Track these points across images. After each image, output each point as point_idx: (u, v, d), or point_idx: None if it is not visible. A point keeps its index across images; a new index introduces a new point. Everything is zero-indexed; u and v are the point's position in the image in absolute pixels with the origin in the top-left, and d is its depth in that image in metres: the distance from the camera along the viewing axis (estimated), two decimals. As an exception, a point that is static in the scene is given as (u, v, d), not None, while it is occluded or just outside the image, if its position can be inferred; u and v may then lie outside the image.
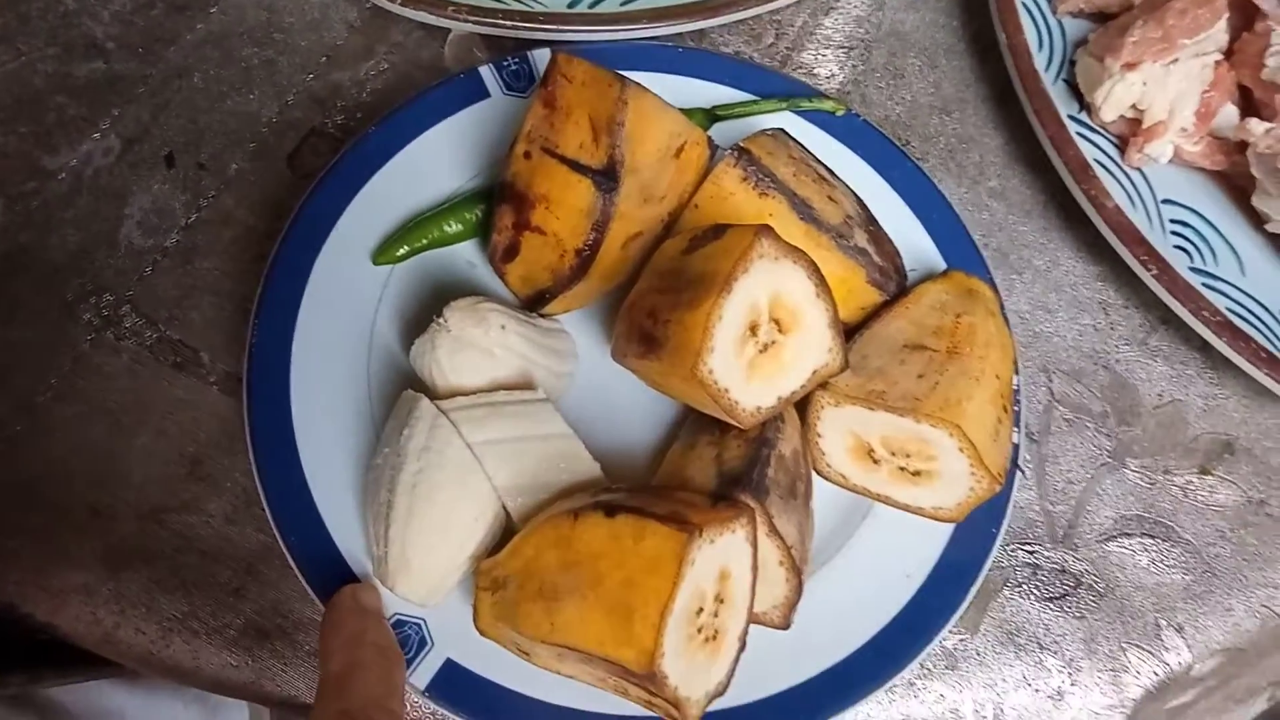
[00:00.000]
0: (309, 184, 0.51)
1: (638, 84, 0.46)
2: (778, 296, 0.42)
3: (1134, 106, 0.53)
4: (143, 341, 0.52)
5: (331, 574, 0.45)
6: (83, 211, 0.54)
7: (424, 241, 0.50)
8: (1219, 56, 0.54)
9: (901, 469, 0.45)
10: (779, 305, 0.42)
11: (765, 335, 0.42)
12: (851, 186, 0.51)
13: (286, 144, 0.56)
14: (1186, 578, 0.50)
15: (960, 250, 0.52)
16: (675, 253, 0.45)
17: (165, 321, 0.52)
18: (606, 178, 0.45)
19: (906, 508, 0.46)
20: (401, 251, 0.50)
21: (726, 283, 0.40)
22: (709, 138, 0.49)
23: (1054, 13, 0.58)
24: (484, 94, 0.53)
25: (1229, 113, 0.54)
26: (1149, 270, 0.52)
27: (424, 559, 0.42)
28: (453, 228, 0.51)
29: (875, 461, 0.46)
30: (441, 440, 0.43)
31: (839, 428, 0.46)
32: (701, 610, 0.39)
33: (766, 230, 0.42)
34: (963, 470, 0.44)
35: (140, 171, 0.55)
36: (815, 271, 0.43)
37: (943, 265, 0.52)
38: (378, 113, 0.56)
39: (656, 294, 0.44)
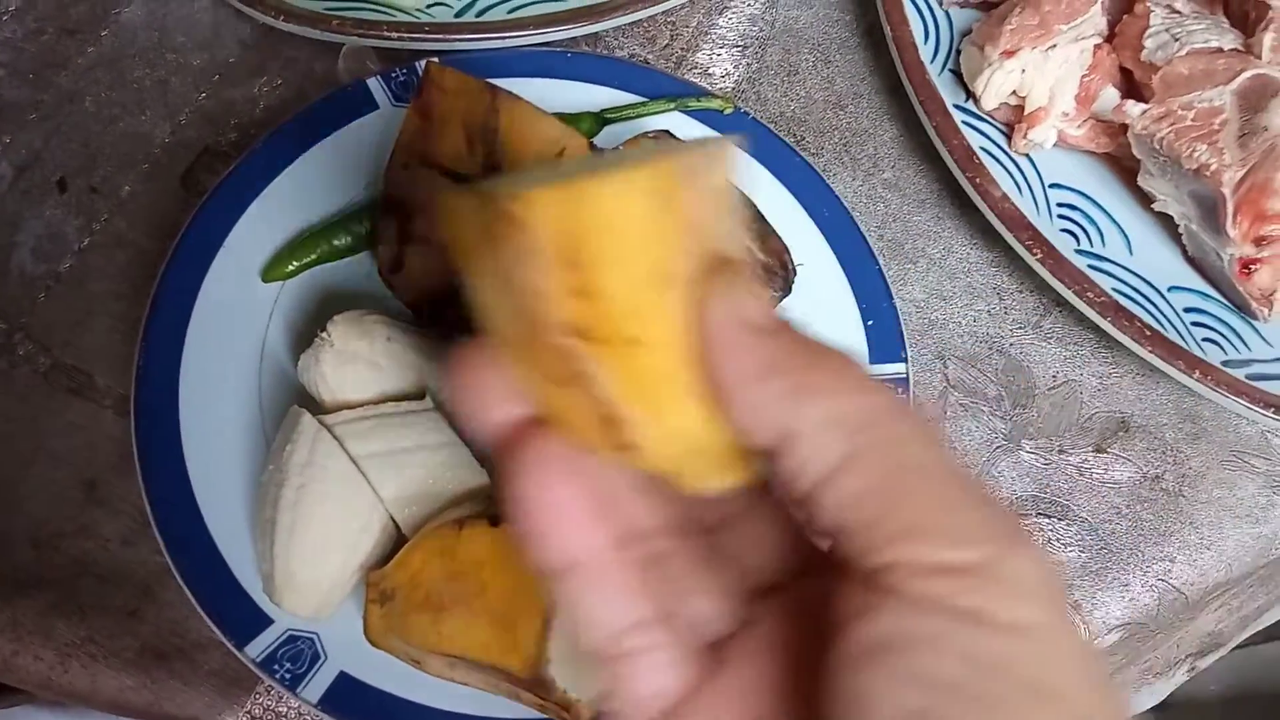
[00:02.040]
0: (200, 205, 0.51)
1: (510, 92, 0.46)
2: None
3: (1015, 93, 0.54)
4: (36, 368, 0.51)
5: (224, 594, 0.45)
6: (-26, 241, 0.54)
7: (312, 256, 0.51)
8: (1098, 40, 0.55)
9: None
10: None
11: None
12: (740, 185, 0.52)
13: (180, 164, 0.56)
14: (1083, 555, 0.51)
15: (850, 242, 0.53)
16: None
17: (59, 347, 0.52)
18: (484, 185, 0.45)
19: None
20: (290, 268, 0.50)
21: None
22: (590, 141, 0.49)
23: (940, 4, 0.59)
24: (373, 105, 0.54)
25: (1110, 96, 0.55)
26: (1034, 255, 0.52)
27: (309, 573, 0.42)
28: (342, 241, 0.51)
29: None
30: (323, 454, 0.43)
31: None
32: None
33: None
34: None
35: (32, 198, 0.55)
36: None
37: (832, 259, 0.52)
38: (269, 129, 0.56)
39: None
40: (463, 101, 0.46)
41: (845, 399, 0.23)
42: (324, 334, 0.46)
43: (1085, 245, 0.54)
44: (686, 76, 0.60)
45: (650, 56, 0.61)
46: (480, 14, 0.56)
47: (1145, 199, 0.55)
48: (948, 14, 0.59)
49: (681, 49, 0.61)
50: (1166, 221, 0.55)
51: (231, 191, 0.51)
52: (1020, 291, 0.56)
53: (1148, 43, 0.53)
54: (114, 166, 0.56)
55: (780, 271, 0.50)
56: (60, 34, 0.58)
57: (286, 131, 0.52)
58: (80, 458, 0.50)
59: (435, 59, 0.49)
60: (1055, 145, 0.56)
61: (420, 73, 0.54)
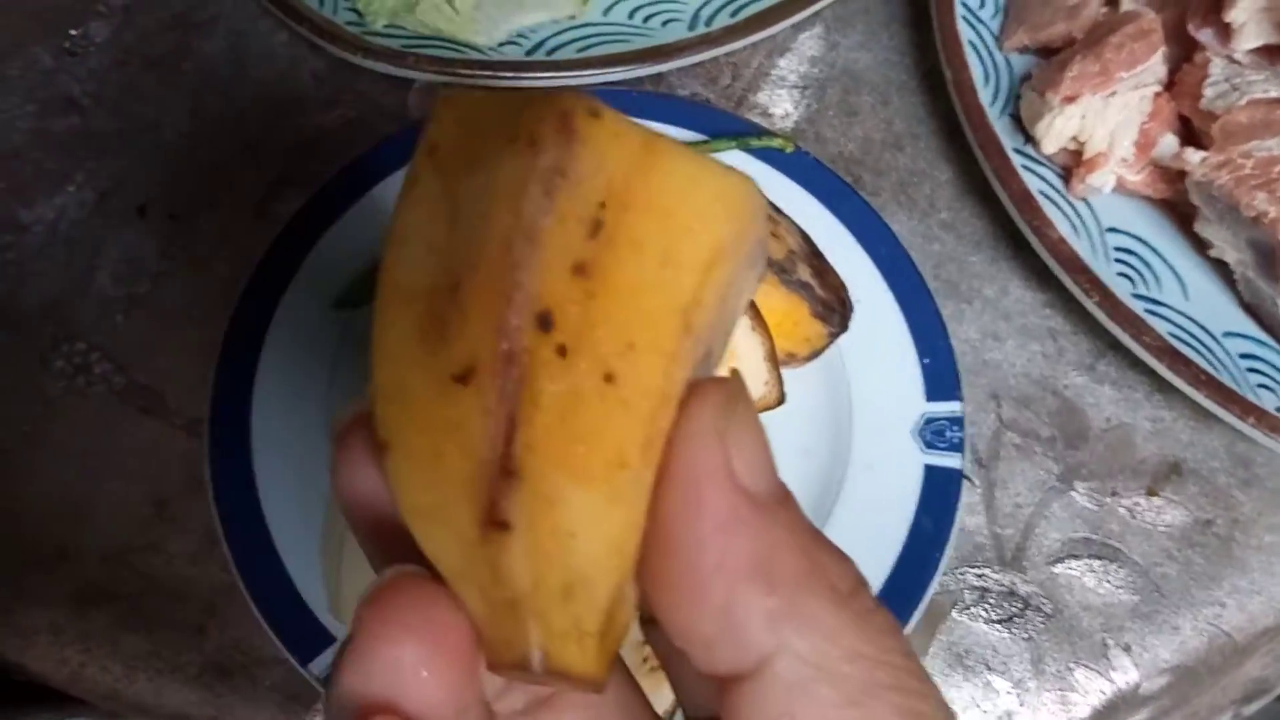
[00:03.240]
0: (275, 233, 0.53)
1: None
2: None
3: (1075, 139, 0.55)
4: (112, 387, 0.53)
5: (289, 611, 0.46)
6: (56, 262, 0.56)
7: (382, 285, 0.52)
8: (1158, 88, 0.55)
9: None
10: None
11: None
12: (799, 222, 0.53)
13: (255, 193, 0.58)
14: (1134, 598, 0.51)
15: (907, 280, 0.53)
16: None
17: (134, 368, 0.54)
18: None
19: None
20: (362, 297, 0.52)
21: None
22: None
23: (1000, 49, 0.59)
24: (443, 140, 0.55)
25: (1169, 143, 0.55)
26: (1091, 298, 0.53)
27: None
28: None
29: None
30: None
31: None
32: None
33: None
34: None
35: (113, 223, 0.57)
36: (750, 307, 0.44)
37: (890, 297, 0.53)
38: (344, 160, 0.58)
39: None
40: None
41: (849, 642, 0.17)
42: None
43: (1141, 289, 0.54)
44: (747, 116, 0.61)
45: (712, 96, 0.62)
46: (550, 53, 0.57)
47: (1202, 245, 0.55)
48: (1007, 59, 0.59)
49: (742, 89, 0.62)
50: (1223, 268, 0.55)
51: (306, 221, 0.53)
52: (1075, 334, 0.56)
53: (1207, 91, 0.54)
54: (191, 194, 0.58)
55: (838, 308, 0.51)
56: (144, 66, 0.61)
57: (359, 164, 0.54)
58: (151, 476, 0.52)
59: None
60: (1113, 190, 0.56)
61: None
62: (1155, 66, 0.54)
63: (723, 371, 0.19)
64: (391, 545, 0.19)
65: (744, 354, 0.44)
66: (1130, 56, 0.54)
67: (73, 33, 0.61)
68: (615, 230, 0.17)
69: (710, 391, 0.18)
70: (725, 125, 0.57)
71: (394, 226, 0.19)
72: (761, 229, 0.20)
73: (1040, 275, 0.57)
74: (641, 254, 0.17)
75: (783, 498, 0.18)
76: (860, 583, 0.18)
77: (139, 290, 0.55)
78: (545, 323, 0.16)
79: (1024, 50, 0.60)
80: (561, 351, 0.17)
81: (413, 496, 0.18)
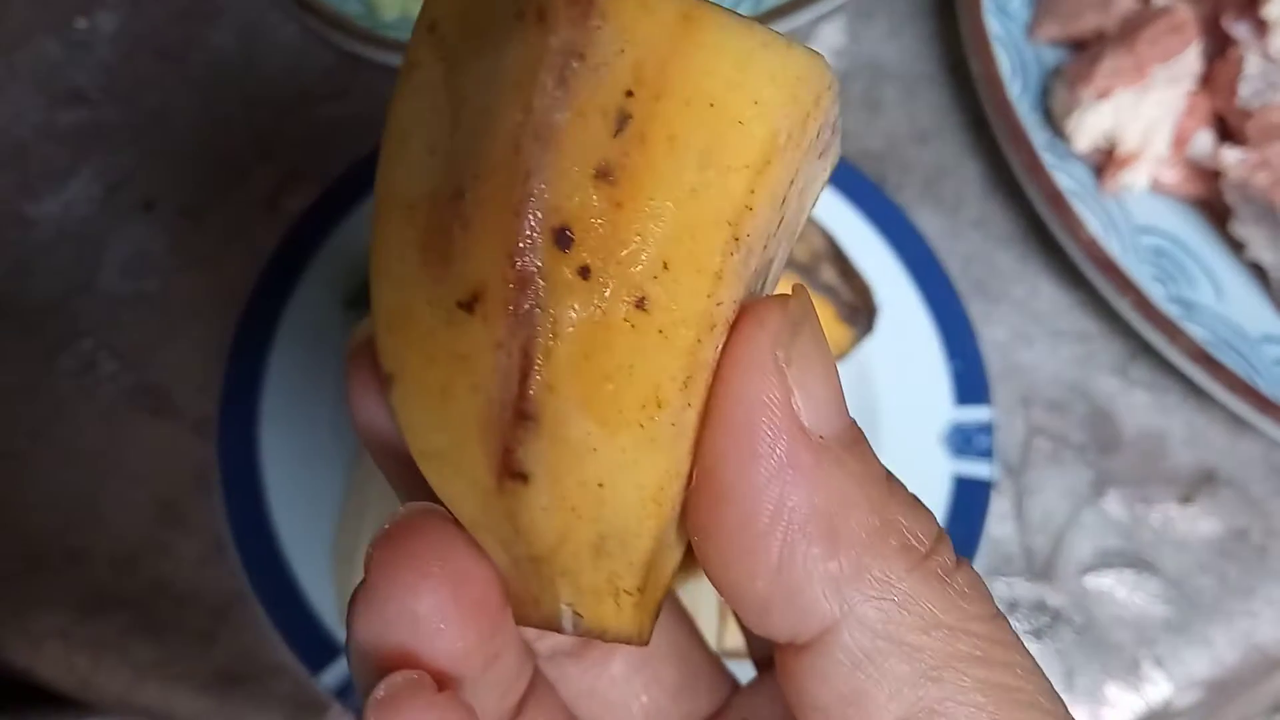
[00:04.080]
0: (285, 228, 0.52)
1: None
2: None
3: (1106, 135, 0.53)
4: (119, 386, 0.52)
5: (299, 619, 0.45)
6: (63, 258, 0.55)
7: (396, 283, 0.51)
8: (1193, 84, 0.53)
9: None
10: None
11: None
12: (824, 222, 0.51)
13: (265, 187, 0.57)
14: (1167, 610, 0.50)
15: (934, 281, 0.52)
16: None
17: (142, 366, 0.52)
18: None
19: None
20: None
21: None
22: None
23: (1028, 40, 0.58)
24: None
25: (1205, 140, 0.54)
26: (1124, 299, 0.51)
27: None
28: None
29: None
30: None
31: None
32: None
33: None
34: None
35: (120, 218, 0.56)
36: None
37: (917, 298, 0.52)
38: (355, 155, 0.57)
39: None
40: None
41: (925, 608, 0.15)
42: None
43: (1176, 291, 0.53)
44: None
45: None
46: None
47: (1237, 246, 0.54)
48: (1036, 52, 0.58)
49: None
50: (1259, 270, 0.53)
51: (317, 217, 0.51)
52: (1107, 336, 0.55)
53: (1242, 88, 0.52)
54: (201, 188, 0.56)
55: (864, 311, 0.49)
56: (153, 57, 0.59)
57: (371, 159, 0.53)
58: (159, 477, 0.50)
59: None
60: (1146, 189, 0.55)
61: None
62: (1190, 61, 0.53)
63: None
64: (419, 479, 0.17)
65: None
66: (1164, 50, 0.52)
67: (81, 23, 0.60)
68: (646, 124, 0.14)
69: (768, 313, 0.15)
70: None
71: (390, 121, 0.16)
72: (829, 110, 0.17)
73: (1071, 275, 0.55)
74: (678, 153, 0.14)
75: (852, 441, 0.16)
76: (940, 539, 0.16)
77: (147, 287, 0.54)
78: (563, 239, 0.14)
79: (1054, 42, 0.58)
80: (584, 273, 0.14)
81: (422, 438, 0.16)
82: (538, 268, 0.14)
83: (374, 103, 0.59)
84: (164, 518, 0.50)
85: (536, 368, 0.14)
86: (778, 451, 0.15)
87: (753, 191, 0.15)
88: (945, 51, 0.62)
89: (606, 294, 0.14)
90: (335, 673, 0.44)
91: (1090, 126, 0.53)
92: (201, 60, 0.60)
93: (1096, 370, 0.54)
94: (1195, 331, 0.51)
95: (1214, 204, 0.54)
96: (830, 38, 0.62)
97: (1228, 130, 0.54)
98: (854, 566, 0.15)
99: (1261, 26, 0.52)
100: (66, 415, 0.52)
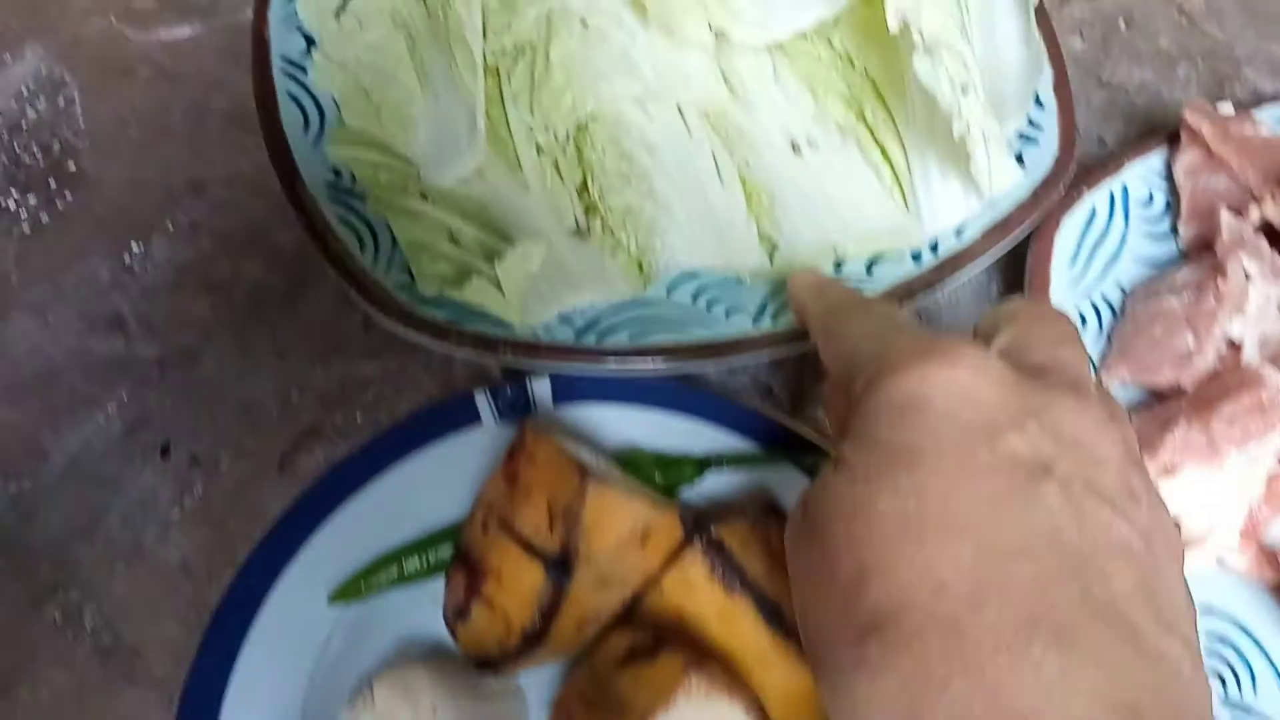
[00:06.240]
0: (294, 490, 0.50)
1: (601, 477, 0.43)
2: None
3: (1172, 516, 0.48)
4: (98, 644, 0.51)
5: None
6: (71, 498, 0.54)
7: (384, 583, 0.48)
8: (1273, 466, 0.48)
9: None
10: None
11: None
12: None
13: (282, 442, 0.55)
14: None
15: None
16: (612, 659, 0.42)
17: (124, 626, 0.51)
18: (559, 567, 0.43)
19: None
20: (360, 591, 0.48)
21: None
22: (681, 517, 0.46)
23: (1098, 381, 0.54)
24: (475, 419, 0.52)
25: (1283, 527, 0.48)
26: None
27: None
28: (412, 566, 0.49)
29: None
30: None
31: None
32: None
33: (699, 665, 0.39)
34: None
35: (134, 461, 0.55)
36: (755, 706, 0.39)
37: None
38: (377, 418, 0.55)
39: (582, 704, 0.41)
40: (551, 477, 0.43)
41: None
42: (368, 691, 0.44)
43: (1234, 695, 0.47)
44: (814, 415, 0.56)
45: (774, 385, 0.57)
46: (603, 335, 0.54)
47: (1315, 642, 0.48)
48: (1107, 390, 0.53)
49: (807, 383, 0.58)
50: (1338, 677, 0.48)
51: (312, 504, 0.49)
52: None
53: (1334, 474, 0.47)
54: (218, 437, 0.55)
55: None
56: (198, 290, 0.59)
57: (381, 441, 0.51)
58: (119, 756, 0.48)
59: (535, 420, 0.47)
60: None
61: (530, 390, 0.52)
62: (1273, 442, 0.48)
63: None
64: None
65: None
66: (1243, 433, 0.47)
67: (135, 248, 0.60)
68: None
69: None
70: (777, 434, 0.52)
71: None
72: None
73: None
74: None
75: None
76: None
77: (146, 539, 0.53)
78: None
79: (1126, 383, 0.53)
80: None
81: None
82: None
83: (407, 362, 0.57)
84: (115, 803, 0.47)
85: None
86: None
87: None
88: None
89: None
90: None
91: (1152, 504, 0.48)
92: (244, 297, 0.59)
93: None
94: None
95: (1289, 594, 0.49)
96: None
97: (1313, 515, 0.49)
98: None
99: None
100: (40, 670, 0.50)
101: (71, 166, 0.63)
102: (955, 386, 0.33)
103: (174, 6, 0.68)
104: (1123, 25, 0.69)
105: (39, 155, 0.63)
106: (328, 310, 0.59)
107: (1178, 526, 0.48)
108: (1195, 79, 0.67)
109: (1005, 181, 0.53)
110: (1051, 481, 0.31)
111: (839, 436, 0.37)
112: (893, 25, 0.49)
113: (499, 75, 0.57)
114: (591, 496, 0.42)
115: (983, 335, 0.39)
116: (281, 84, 0.58)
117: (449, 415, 0.52)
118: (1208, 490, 0.48)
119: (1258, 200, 0.53)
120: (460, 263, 0.54)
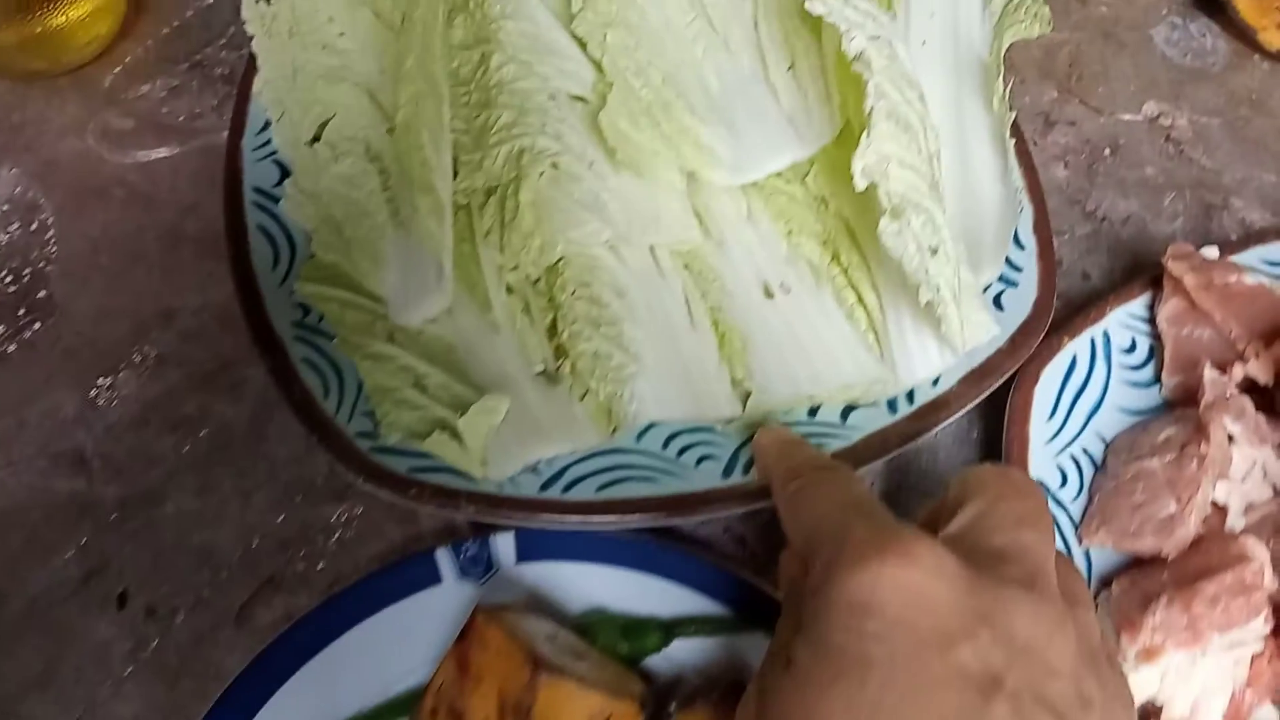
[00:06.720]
0: (250, 646, 0.49)
1: (555, 667, 0.42)
2: None
3: (1152, 700, 0.47)
4: (40, 819, 0.49)
5: None
6: (27, 650, 0.52)
7: (336, 758, 0.47)
8: (1258, 648, 0.47)
9: None
10: None
11: None
12: None
13: (241, 593, 0.54)
14: None
15: None
16: None
17: (70, 795, 0.50)
18: (507, 759, 0.41)
19: None
20: (309, 766, 0.47)
21: None
22: (641, 702, 0.44)
23: (1078, 541, 0.52)
24: (435, 579, 0.51)
25: (1268, 714, 0.46)
26: None
27: None
28: (369, 739, 0.47)
29: None
30: None
31: None
32: None
33: None
34: None
35: (90, 610, 0.53)
36: None
37: None
38: (339, 566, 0.54)
39: None
40: (503, 666, 0.42)
41: None
42: None
43: None
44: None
45: (748, 535, 0.56)
46: (569, 486, 0.52)
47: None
48: (1086, 551, 0.52)
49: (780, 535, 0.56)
50: None
51: (268, 667, 0.48)
52: None
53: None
54: (176, 585, 0.54)
55: None
56: (162, 429, 0.58)
57: (340, 600, 0.49)
58: None
59: (487, 604, 0.45)
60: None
61: (492, 548, 0.51)
62: (1256, 628, 0.46)
63: None
64: None
65: None
66: (1226, 617, 0.45)
67: (101, 381, 0.59)
68: None
69: None
70: (748, 596, 0.50)
71: None
72: None
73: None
74: None
75: None
76: None
77: (99, 694, 0.52)
78: None
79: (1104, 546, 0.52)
80: None
81: None
82: None
83: (370, 506, 0.56)
84: None
85: None
86: None
87: None
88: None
89: None
90: None
91: (1134, 689, 0.46)
92: (210, 436, 0.58)
93: None
94: None
95: (1278, 782, 0.47)
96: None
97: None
98: None
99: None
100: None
101: (42, 293, 0.62)
102: (910, 590, 0.33)
103: (152, 128, 0.68)
104: (1108, 153, 0.68)
105: (9, 282, 0.62)
106: (293, 449, 0.58)
107: (1154, 715, 0.47)
108: (1183, 209, 0.66)
109: (980, 336, 0.52)
110: (1001, 698, 0.32)
111: (789, 613, 0.40)
112: (859, 185, 0.48)
113: (470, 212, 0.56)
114: (544, 690, 0.41)
115: (952, 503, 0.39)
116: (254, 217, 0.58)
117: (409, 574, 0.51)
118: (1189, 675, 0.46)
119: (1242, 358, 0.52)
120: (425, 411, 0.52)
